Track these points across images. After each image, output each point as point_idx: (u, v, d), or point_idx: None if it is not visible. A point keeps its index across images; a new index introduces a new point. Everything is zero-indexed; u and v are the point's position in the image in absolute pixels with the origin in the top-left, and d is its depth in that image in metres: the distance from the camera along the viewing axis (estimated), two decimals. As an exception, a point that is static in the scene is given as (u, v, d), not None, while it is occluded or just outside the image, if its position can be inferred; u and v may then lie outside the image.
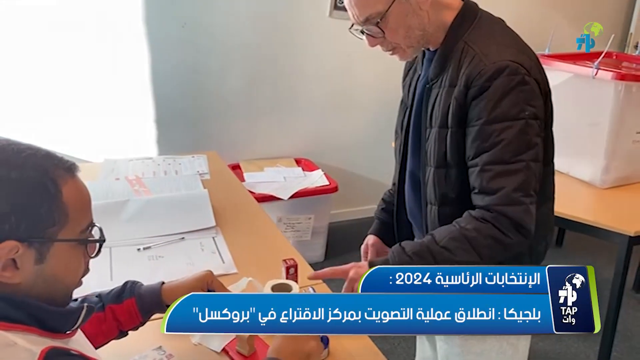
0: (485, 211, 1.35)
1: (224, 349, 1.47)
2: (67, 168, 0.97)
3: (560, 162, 1.52)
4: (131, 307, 1.31)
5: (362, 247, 1.76)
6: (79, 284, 1.04)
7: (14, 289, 0.92)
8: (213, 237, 2.02)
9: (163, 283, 1.36)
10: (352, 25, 1.45)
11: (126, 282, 1.36)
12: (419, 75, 1.57)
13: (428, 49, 1.50)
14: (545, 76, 1.42)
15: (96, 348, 1.25)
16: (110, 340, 1.31)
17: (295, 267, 1.69)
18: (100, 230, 1.03)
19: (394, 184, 1.76)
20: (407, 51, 1.46)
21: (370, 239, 1.76)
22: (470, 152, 1.38)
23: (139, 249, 1.93)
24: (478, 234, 1.34)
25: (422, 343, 1.90)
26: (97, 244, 1.03)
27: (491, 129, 1.33)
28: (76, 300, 1.12)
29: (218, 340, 1.49)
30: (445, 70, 1.42)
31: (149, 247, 1.94)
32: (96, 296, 1.32)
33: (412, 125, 1.57)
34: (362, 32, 1.44)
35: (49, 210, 0.93)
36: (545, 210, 1.50)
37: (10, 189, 0.90)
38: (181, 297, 0.88)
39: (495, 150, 1.33)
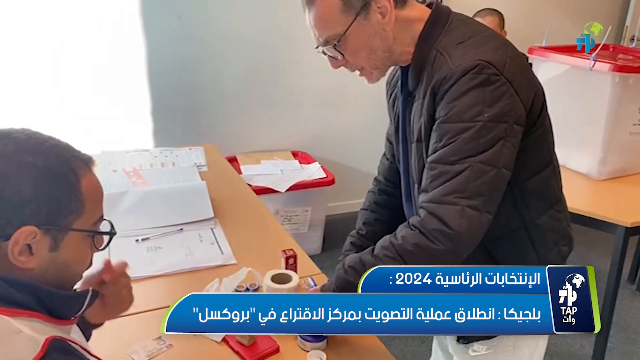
0: (417, 216, 1.29)
1: (224, 339, 1.48)
2: (85, 160, 1.00)
3: (557, 154, 1.50)
4: None
5: None
6: (81, 277, 1.06)
7: (27, 274, 0.94)
8: (211, 229, 2.02)
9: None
10: (318, 47, 1.37)
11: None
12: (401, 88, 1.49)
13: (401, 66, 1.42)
14: (530, 75, 1.34)
15: None
16: None
17: (295, 257, 1.70)
18: (110, 224, 1.06)
19: (364, 224, 1.69)
20: (373, 73, 1.40)
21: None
22: (430, 152, 1.31)
23: (137, 240, 1.93)
24: (404, 242, 1.27)
25: (436, 353, 1.87)
26: (107, 237, 1.06)
27: (445, 128, 1.25)
28: None
29: None
30: (421, 81, 1.34)
31: (147, 238, 1.94)
32: None
33: (400, 141, 1.49)
34: (324, 53, 1.37)
35: (69, 199, 0.95)
36: (549, 217, 1.42)
37: (35, 176, 0.92)
38: (180, 297, 0.88)
39: (444, 150, 1.25)
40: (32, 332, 0.89)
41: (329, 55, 1.38)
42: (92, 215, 1.00)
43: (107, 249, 1.88)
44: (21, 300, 0.91)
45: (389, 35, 1.33)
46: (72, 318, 1.00)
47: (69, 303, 0.99)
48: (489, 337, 1.45)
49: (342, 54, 1.35)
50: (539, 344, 1.52)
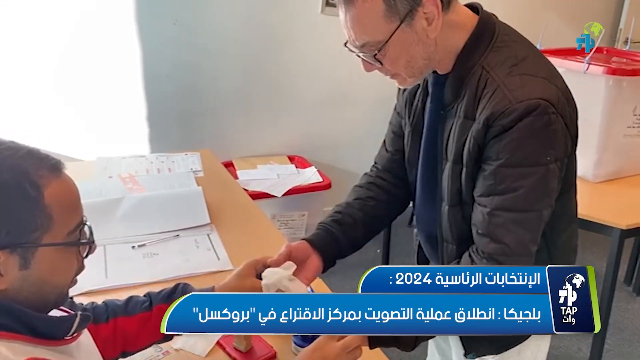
0: (491, 260, 1.24)
1: (221, 345, 1.47)
2: (51, 167, 0.92)
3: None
4: None
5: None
6: (73, 282, 1.01)
7: (1, 295, 0.90)
8: (208, 234, 2.02)
9: (213, 287, 1.33)
10: (347, 43, 1.26)
11: (177, 284, 1.32)
12: (428, 96, 1.40)
13: (435, 73, 1.34)
14: (570, 95, 1.29)
15: (139, 350, 1.26)
16: (154, 343, 1.30)
17: (293, 262, 1.69)
18: (90, 229, 0.99)
19: (355, 199, 1.66)
20: (407, 80, 1.30)
21: (298, 244, 1.48)
22: (480, 190, 1.25)
23: (133, 247, 1.92)
24: None
25: (432, 355, 1.85)
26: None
27: (508, 172, 1.20)
28: (71, 298, 1.11)
29: (202, 345, 1.47)
30: (460, 97, 1.26)
31: (143, 245, 1.94)
32: (144, 295, 1.31)
33: (423, 155, 1.42)
34: (358, 55, 1.27)
35: (31, 214, 0.89)
36: (568, 234, 1.42)
37: None
38: (180, 298, 0.88)
39: (509, 196, 1.20)
40: (10, 353, 0.84)
41: (363, 59, 1.28)
42: (65, 225, 0.93)
43: (104, 255, 1.90)
44: (1, 321, 0.87)
45: (432, 42, 1.23)
46: (68, 338, 0.96)
47: (51, 325, 0.94)
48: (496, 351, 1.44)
49: (380, 61, 1.25)
50: (541, 348, 1.52)
